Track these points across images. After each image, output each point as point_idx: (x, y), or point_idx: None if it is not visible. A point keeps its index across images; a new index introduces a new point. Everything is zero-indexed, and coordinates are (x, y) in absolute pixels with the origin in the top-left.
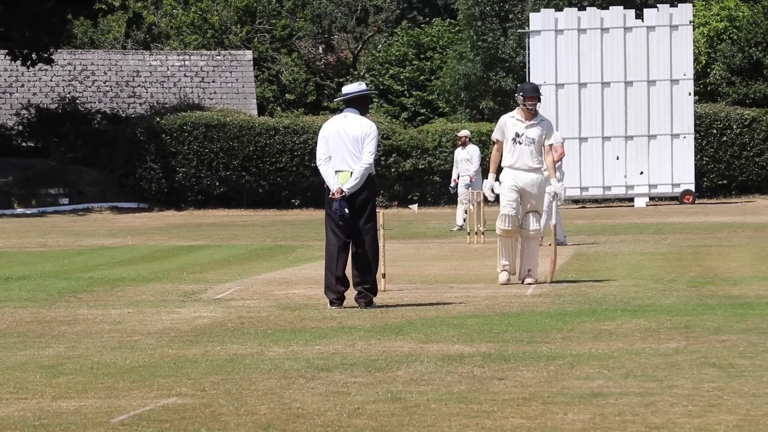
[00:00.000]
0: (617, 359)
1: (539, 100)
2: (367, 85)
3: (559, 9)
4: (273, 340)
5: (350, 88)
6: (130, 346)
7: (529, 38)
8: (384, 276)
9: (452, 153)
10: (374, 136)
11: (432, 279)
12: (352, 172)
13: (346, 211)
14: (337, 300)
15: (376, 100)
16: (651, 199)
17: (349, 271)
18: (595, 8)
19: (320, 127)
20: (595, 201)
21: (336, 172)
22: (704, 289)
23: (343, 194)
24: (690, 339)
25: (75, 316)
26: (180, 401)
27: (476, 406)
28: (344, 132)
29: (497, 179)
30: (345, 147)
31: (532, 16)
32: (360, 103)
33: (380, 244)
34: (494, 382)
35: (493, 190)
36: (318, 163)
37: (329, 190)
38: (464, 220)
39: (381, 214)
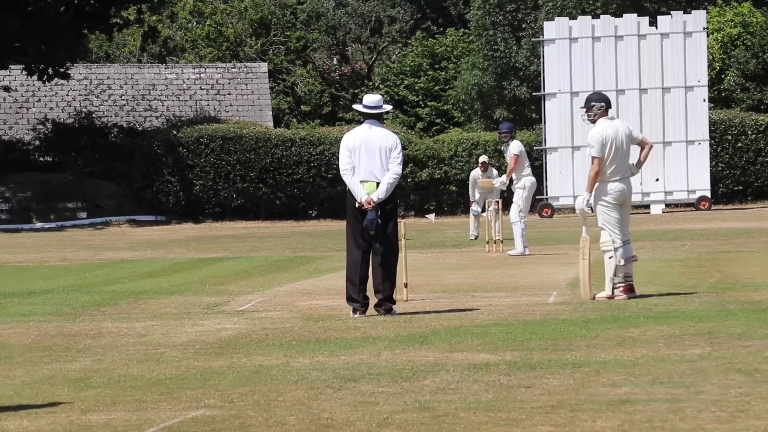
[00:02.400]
0: (643, 366)
1: (587, 109)
2: (382, 96)
3: (572, 17)
4: (298, 351)
5: (373, 101)
6: (156, 358)
7: (543, 47)
8: (406, 285)
9: (468, 162)
10: (401, 148)
11: (453, 288)
12: (377, 183)
13: (380, 221)
14: (361, 308)
15: (392, 111)
16: (667, 205)
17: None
18: (608, 16)
19: (337, 137)
20: None
21: (360, 182)
22: (726, 294)
23: (374, 204)
24: (714, 345)
25: (99, 329)
26: (209, 413)
27: (504, 414)
28: (371, 143)
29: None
30: (372, 158)
31: (546, 24)
32: (380, 115)
33: (401, 254)
34: (521, 390)
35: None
36: (342, 174)
37: (352, 201)
38: (476, 228)
39: (402, 223)
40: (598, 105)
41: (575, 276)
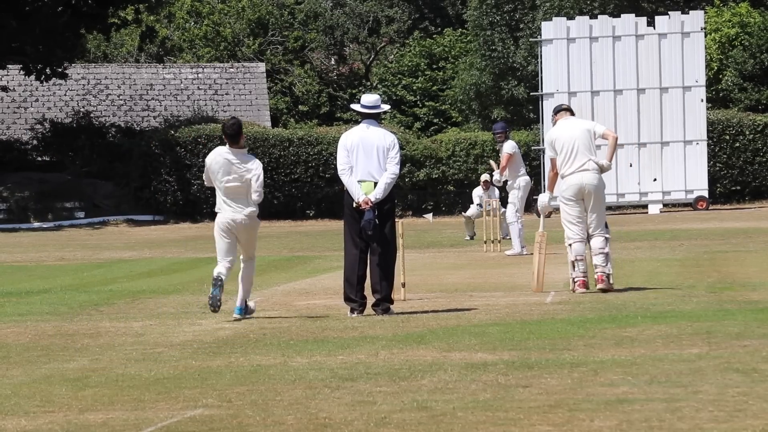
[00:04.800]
0: (641, 365)
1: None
2: (379, 96)
3: (570, 17)
4: (296, 351)
5: (370, 100)
6: (154, 358)
7: (541, 47)
8: (404, 285)
9: (465, 162)
10: (398, 147)
11: (451, 287)
12: (375, 183)
13: (377, 221)
14: (358, 307)
15: (390, 111)
16: (665, 205)
17: (367, 280)
18: (606, 16)
19: (335, 137)
20: (609, 208)
21: (358, 182)
22: (723, 294)
23: (372, 204)
24: (712, 344)
25: (97, 328)
26: (207, 412)
27: (502, 413)
28: (368, 142)
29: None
30: (369, 157)
31: (544, 24)
32: (378, 115)
33: (399, 254)
34: (519, 389)
35: None
36: (340, 174)
37: (350, 201)
38: (471, 229)
39: (400, 223)
40: (552, 113)
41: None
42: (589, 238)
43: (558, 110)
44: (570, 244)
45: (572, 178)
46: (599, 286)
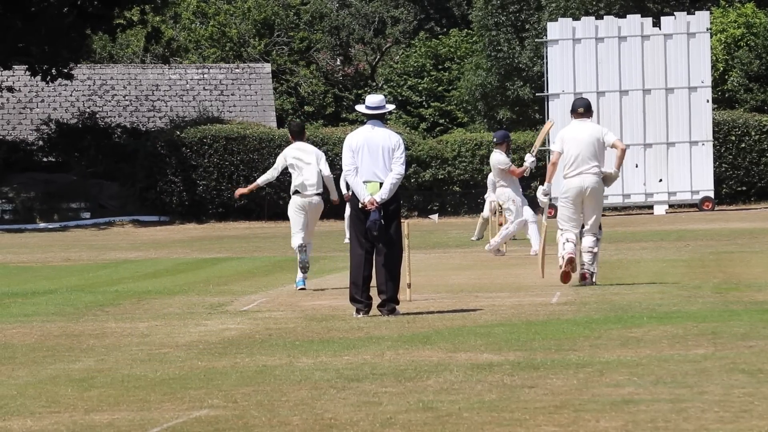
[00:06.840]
0: (646, 366)
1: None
2: (385, 96)
3: (576, 18)
4: (302, 351)
5: (375, 101)
6: (160, 358)
7: (546, 47)
8: (409, 286)
9: (471, 162)
10: (404, 148)
11: (457, 288)
12: (380, 183)
13: (383, 221)
14: (364, 308)
15: (395, 111)
16: (670, 206)
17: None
18: (612, 17)
19: (340, 138)
20: (615, 209)
21: (363, 182)
22: (729, 295)
23: (377, 205)
24: (718, 345)
25: (103, 329)
26: (212, 413)
27: (508, 414)
28: (373, 143)
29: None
30: (374, 158)
31: (550, 25)
32: (383, 115)
33: (405, 254)
34: (525, 390)
35: None
36: (345, 174)
37: (355, 201)
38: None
39: (406, 224)
40: (571, 111)
41: (578, 275)
42: (581, 235)
43: (575, 109)
44: (562, 233)
45: (573, 180)
46: (580, 282)
